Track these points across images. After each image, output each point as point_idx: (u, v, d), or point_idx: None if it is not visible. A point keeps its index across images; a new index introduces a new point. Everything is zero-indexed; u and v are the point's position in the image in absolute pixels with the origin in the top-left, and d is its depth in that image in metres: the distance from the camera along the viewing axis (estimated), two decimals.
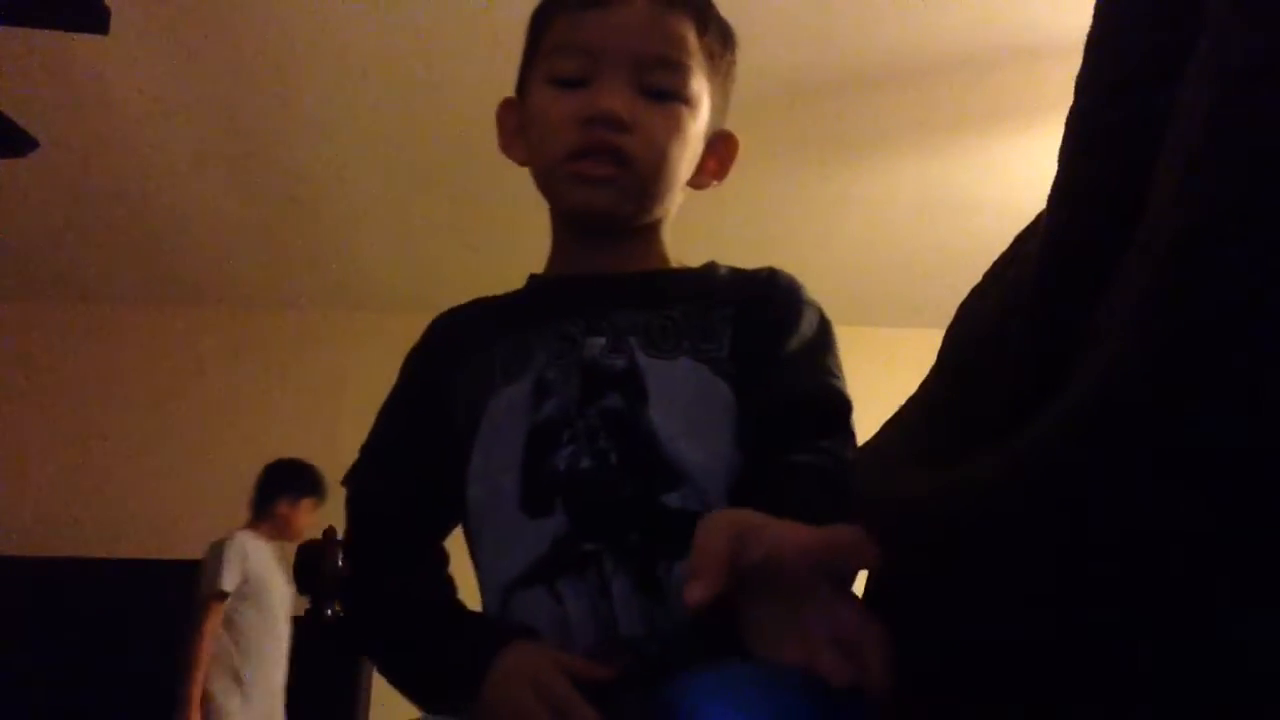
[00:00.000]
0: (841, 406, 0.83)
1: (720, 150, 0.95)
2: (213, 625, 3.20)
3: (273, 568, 3.41)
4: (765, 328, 0.86)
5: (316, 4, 2.71)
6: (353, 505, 0.96)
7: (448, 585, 0.90)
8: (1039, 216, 0.54)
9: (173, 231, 3.85)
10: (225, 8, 2.72)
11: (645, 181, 0.87)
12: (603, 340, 0.86)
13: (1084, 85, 0.50)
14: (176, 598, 3.87)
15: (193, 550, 3.98)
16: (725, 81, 0.94)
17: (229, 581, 3.24)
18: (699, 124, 0.90)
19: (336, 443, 4.77)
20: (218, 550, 3.30)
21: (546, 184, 0.94)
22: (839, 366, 0.86)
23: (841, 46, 2.77)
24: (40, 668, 3.62)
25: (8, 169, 3.02)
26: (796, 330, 0.86)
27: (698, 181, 0.95)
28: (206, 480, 4.23)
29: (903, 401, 0.81)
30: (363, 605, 0.94)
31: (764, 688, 0.60)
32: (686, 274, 0.93)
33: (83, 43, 2.52)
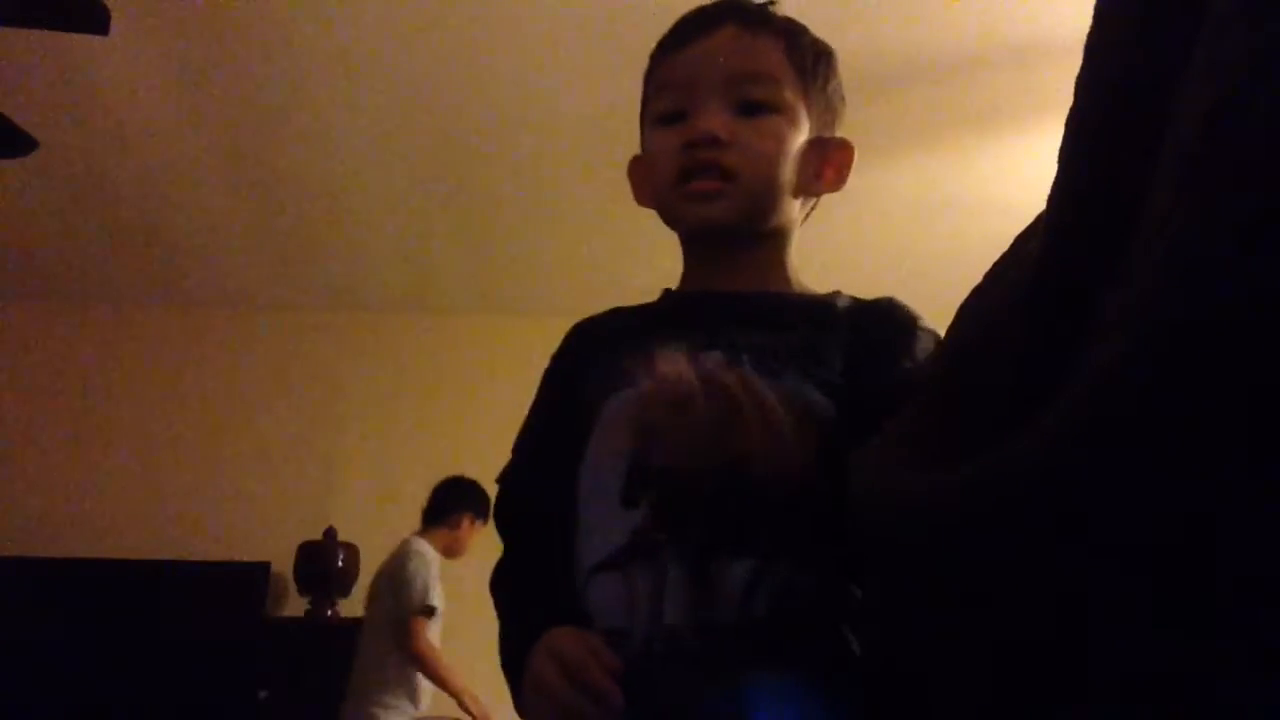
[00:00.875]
0: None
1: (835, 158, 1.00)
2: (430, 638, 3.21)
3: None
4: (878, 348, 0.89)
5: (317, 5, 2.71)
6: (501, 504, 1.02)
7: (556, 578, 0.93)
8: (1039, 216, 0.54)
9: (173, 232, 3.85)
10: (225, 9, 2.72)
11: (752, 191, 0.92)
12: (719, 354, 0.89)
13: (1084, 85, 0.50)
14: (176, 598, 3.87)
15: (193, 551, 3.99)
16: (826, 94, 0.99)
17: (438, 598, 3.24)
18: (797, 132, 0.94)
19: (337, 443, 4.79)
20: (421, 564, 3.27)
21: (666, 213, 0.99)
22: None
23: (841, 47, 2.76)
24: (40, 668, 3.61)
25: (8, 169, 3.02)
26: (910, 353, 0.89)
27: (815, 189, 0.99)
28: (207, 480, 4.23)
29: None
30: (496, 594, 0.98)
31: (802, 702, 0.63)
32: (806, 300, 0.97)
33: (83, 43, 2.52)
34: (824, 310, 0.95)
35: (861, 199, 3.74)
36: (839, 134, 1.01)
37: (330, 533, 4.00)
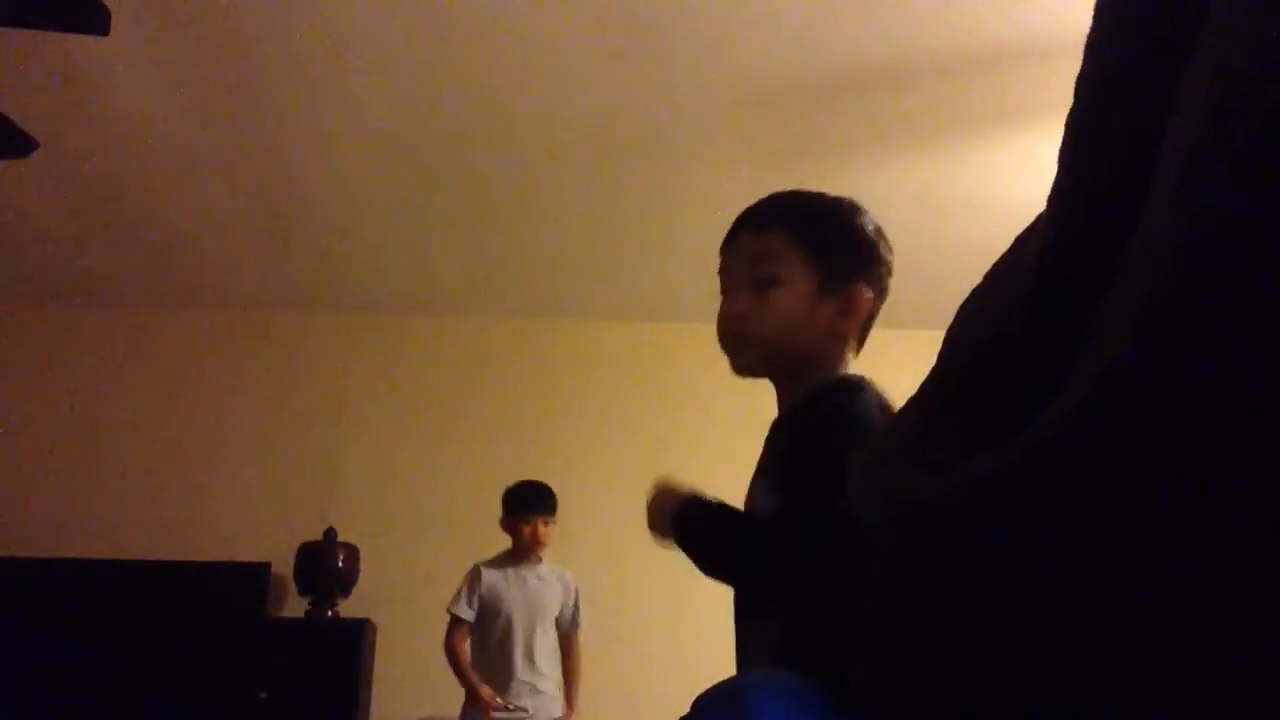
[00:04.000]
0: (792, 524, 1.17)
1: (843, 299, 1.29)
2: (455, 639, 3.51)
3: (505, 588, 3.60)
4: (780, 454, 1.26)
5: (317, 5, 2.71)
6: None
7: None
8: (1039, 216, 0.54)
9: (173, 232, 3.85)
10: (226, 9, 2.72)
11: (767, 345, 1.29)
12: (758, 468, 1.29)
13: (1084, 85, 0.50)
14: (176, 598, 3.87)
15: (193, 551, 3.99)
16: (834, 250, 1.31)
17: (464, 608, 3.52)
18: (801, 292, 1.28)
19: (337, 444, 4.79)
20: (466, 574, 3.62)
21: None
22: (813, 482, 1.17)
23: (841, 47, 2.77)
24: (40, 668, 3.61)
25: (8, 169, 3.02)
26: (790, 452, 1.24)
27: (844, 327, 1.30)
28: (207, 481, 4.24)
29: (903, 402, 0.81)
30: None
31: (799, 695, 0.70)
32: (795, 404, 1.29)
33: (83, 43, 2.52)
34: (796, 412, 1.28)
35: (861, 199, 3.74)
36: (860, 278, 1.32)
37: (330, 533, 4.00)
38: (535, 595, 3.55)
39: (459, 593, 3.55)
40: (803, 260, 1.29)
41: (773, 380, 1.33)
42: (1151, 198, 0.41)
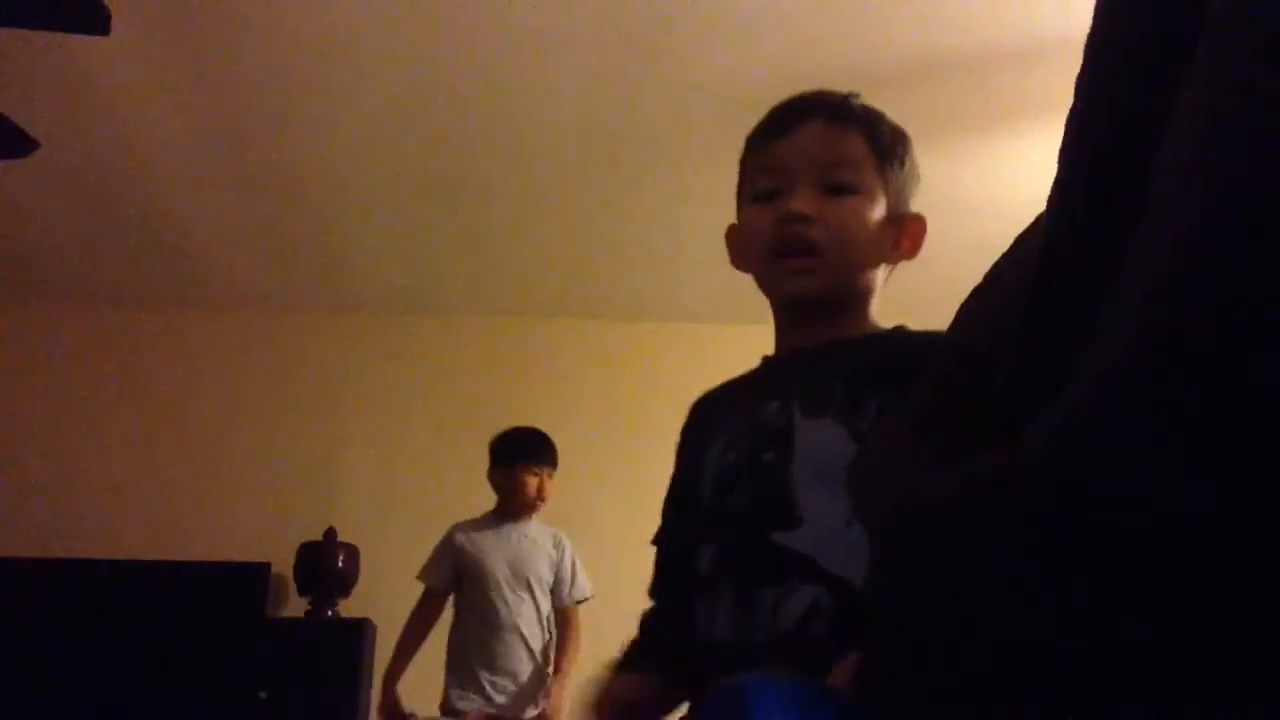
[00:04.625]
0: None
1: (911, 229, 1.14)
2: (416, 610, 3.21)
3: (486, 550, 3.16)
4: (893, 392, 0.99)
5: (318, 5, 2.71)
6: (656, 561, 1.21)
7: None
8: (1039, 216, 0.54)
9: (173, 232, 3.85)
10: (226, 9, 2.72)
11: (838, 264, 1.06)
12: (776, 404, 1.04)
13: (1084, 85, 0.50)
14: (176, 598, 3.87)
15: (193, 551, 3.99)
16: (903, 174, 1.14)
17: (431, 572, 3.21)
18: (876, 210, 1.08)
19: (337, 444, 4.78)
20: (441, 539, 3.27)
21: (763, 281, 1.13)
22: None
23: (841, 47, 2.77)
24: (40, 668, 3.61)
25: (8, 169, 3.02)
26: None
27: (894, 258, 1.13)
28: (207, 481, 4.24)
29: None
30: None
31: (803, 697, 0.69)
32: (860, 343, 1.09)
33: (83, 43, 2.52)
34: (875, 354, 1.07)
35: None
36: (914, 207, 1.16)
37: (330, 533, 4.00)
38: (524, 555, 3.13)
39: (430, 559, 3.21)
40: (878, 177, 1.10)
41: (803, 317, 1.10)
42: (1151, 197, 0.41)
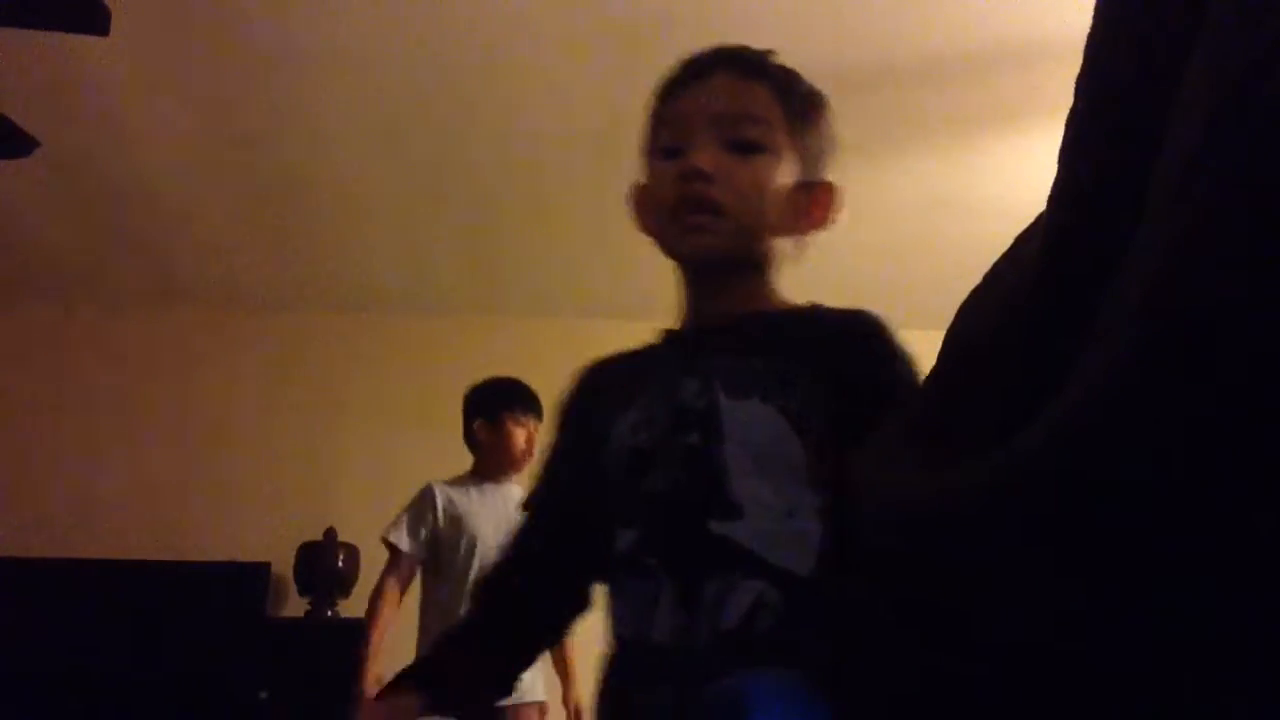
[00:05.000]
0: None
1: (823, 198, 1.06)
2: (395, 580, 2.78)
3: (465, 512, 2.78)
4: (864, 402, 0.90)
5: (318, 5, 2.71)
6: (521, 529, 1.14)
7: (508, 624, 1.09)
8: (1039, 216, 0.54)
9: (173, 232, 3.85)
10: (226, 9, 2.72)
11: (740, 224, 1.00)
12: (695, 383, 0.98)
13: (1084, 85, 0.50)
14: (176, 598, 3.87)
15: (193, 551, 3.98)
16: (816, 139, 1.06)
17: (396, 532, 2.81)
18: (784, 173, 1.01)
19: (337, 444, 4.79)
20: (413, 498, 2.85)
21: (663, 242, 1.07)
22: None
23: (841, 47, 2.77)
24: (40, 668, 3.61)
25: (8, 169, 3.02)
26: (889, 387, 0.94)
27: (802, 227, 1.05)
28: (207, 480, 4.23)
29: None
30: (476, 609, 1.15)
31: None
32: (778, 320, 1.04)
33: (83, 43, 2.52)
34: (796, 328, 1.03)
35: (861, 199, 3.74)
36: (827, 177, 1.07)
37: (330, 533, 3.99)
38: (512, 519, 2.77)
39: (399, 517, 2.80)
40: (786, 134, 1.02)
41: (705, 282, 1.05)
42: (1151, 197, 0.41)
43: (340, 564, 3.96)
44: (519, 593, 1.07)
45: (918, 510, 0.52)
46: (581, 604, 1.07)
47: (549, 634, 1.13)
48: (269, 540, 4.02)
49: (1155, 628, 0.38)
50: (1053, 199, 0.51)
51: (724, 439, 0.94)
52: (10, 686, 3.55)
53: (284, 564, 3.99)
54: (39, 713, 3.60)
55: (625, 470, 0.99)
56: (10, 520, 3.95)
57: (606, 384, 1.09)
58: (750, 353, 0.99)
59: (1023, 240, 0.59)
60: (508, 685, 1.08)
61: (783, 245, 1.04)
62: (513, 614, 1.07)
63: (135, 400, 4.31)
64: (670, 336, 1.11)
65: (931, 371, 0.72)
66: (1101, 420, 0.39)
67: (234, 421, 4.31)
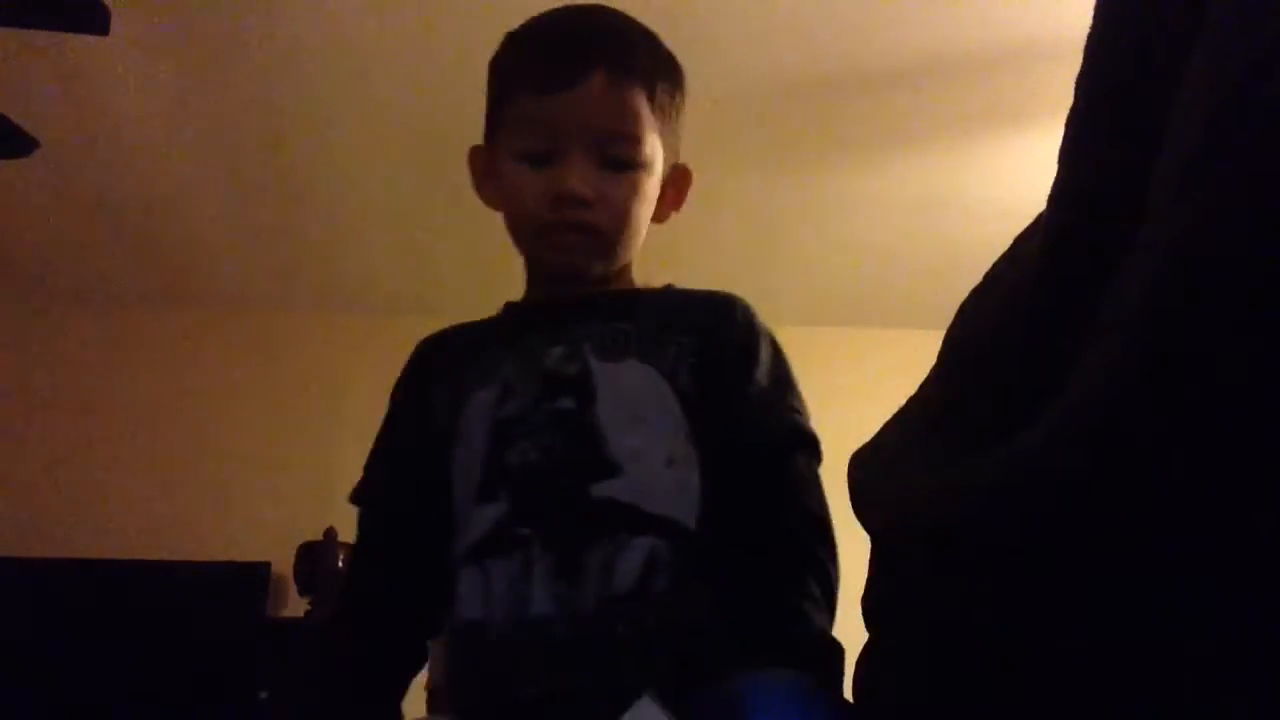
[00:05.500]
0: (811, 445, 0.98)
1: (678, 182, 1.08)
2: None
3: None
4: (725, 362, 0.96)
5: (318, 4, 2.71)
6: (360, 521, 1.08)
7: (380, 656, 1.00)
8: (1039, 216, 0.54)
9: (173, 232, 3.85)
10: (226, 9, 2.72)
11: (612, 242, 1.00)
12: (561, 349, 0.96)
13: (1084, 85, 0.50)
14: (176, 598, 3.87)
15: (193, 551, 3.98)
16: (677, 122, 1.06)
17: None
18: (655, 180, 1.02)
19: (337, 444, 4.79)
20: None
21: (520, 243, 1.08)
22: (801, 400, 1.00)
23: (841, 46, 2.77)
24: (40, 668, 3.62)
25: (8, 169, 3.02)
26: (756, 365, 0.97)
27: (659, 215, 1.06)
28: (207, 480, 4.23)
29: (903, 402, 0.81)
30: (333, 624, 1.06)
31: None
32: (643, 295, 1.04)
33: (83, 43, 2.52)
34: (660, 302, 1.02)
35: (861, 199, 3.74)
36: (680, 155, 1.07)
37: (330, 533, 3.99)
38: None
39: None
40: (656, 135, 1.01)
41: (566, 279, 1.05)
42: (1151, 197, 0.41)
43: (340, 564, 3.96)
44: (376, 638, 0.99)
45: (919, 509, 0.52)
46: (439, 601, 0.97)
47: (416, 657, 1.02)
48: (269, 540, 4.02)
49: (1155, 627, 0.38)
50: (1053, 199, 0.51)
51: (597, 400, 0.92)
52: (10, 686, 3.55)
53: (284, 564, 3.99)
54: (39, 713, 3.61)
55: (487, 442, 0.94)
56: (10, 520, 3.95)
57: (447, 359, 1.06)
58: (617, 319, 0.98)
59: (1023, 240, 0.59)
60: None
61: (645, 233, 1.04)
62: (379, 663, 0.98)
63: (135, 400, 4.31)
64: (517, 310, 1.09)
65: (932, 371, 0.72)
66: (1102, 420, 0.39)
67: (234, 421, 4.31)
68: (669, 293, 1.05)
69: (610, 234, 0.99)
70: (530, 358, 0.97)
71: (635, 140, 0.99)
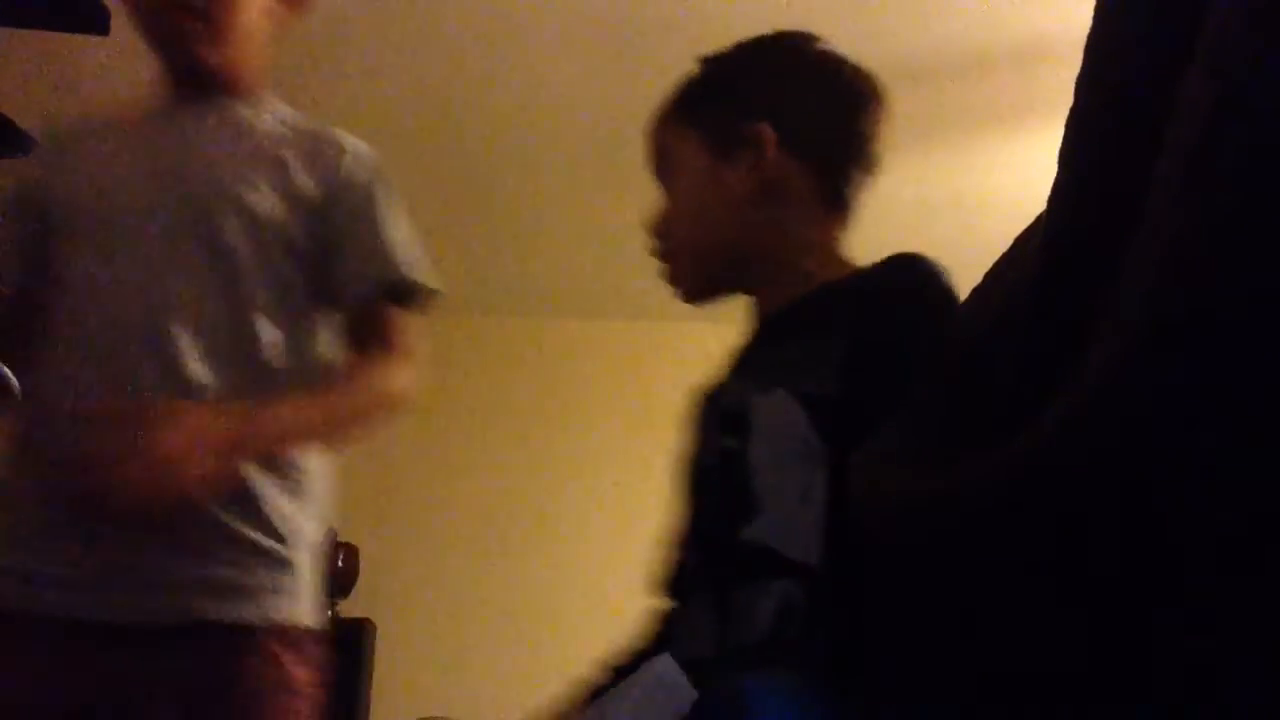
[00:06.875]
0: None
1: (751, 145, 1.01)
2: None
3: None
4: (876, 357, 0.89)
5: (317, 5, 2.70)
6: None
7: None
8: (1039, 216, 0.54)
9: None
10: None
11: (690, 253, 1.04)
12: (735, 383, 0.97)
13: (1084, 85, 0.50)
14: None
15: None
16: (714, 109, 1.05)
17: None
18: (699, 175, 1.03)
19: None
20: None
21: None
22: None
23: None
24: None
25: (8, 169, 3.01)
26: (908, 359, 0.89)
27: (754, 193, 1.01)
28: None
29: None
30: None
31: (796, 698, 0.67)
32: (810, 300, 0.99)
33: (83, 43, 2.52)
34: (825, 305, 0.97)
35: (861, 199, 3.74)
36: (758, 115, 1.02)
37: (330, 533, 3.99)
38: None
39: None
40: (686, 134, 1.03)
41: (736, 297, 1.06)
42: (1151, 197, 0.41)
43: (340, 564, 3.96)
44: None
45: (920, 509, 0.52)
46: None
47: None
48: None
49: (1156, 627, 0.38)
50: (1053, 199, 0.51)
51: (751, 437, 0.91)
52: None
53: None
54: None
55: (692, 491, 0.98)
56: None
57: (697, 409, 1.06)
58: (778, 341, 0.98)
59: (1023, 240, 0.59)
60: None
61: (762, 218, 1.00)
62: None
63: None
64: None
65: (932, 371, 0.72)
66: (1102, 419, 0.39)
67: None
68: (838, 289, 0.99)
69: (680, 250, 1.05)
70: (717, 395, 1.01)
71: (666, 156, 1.06)
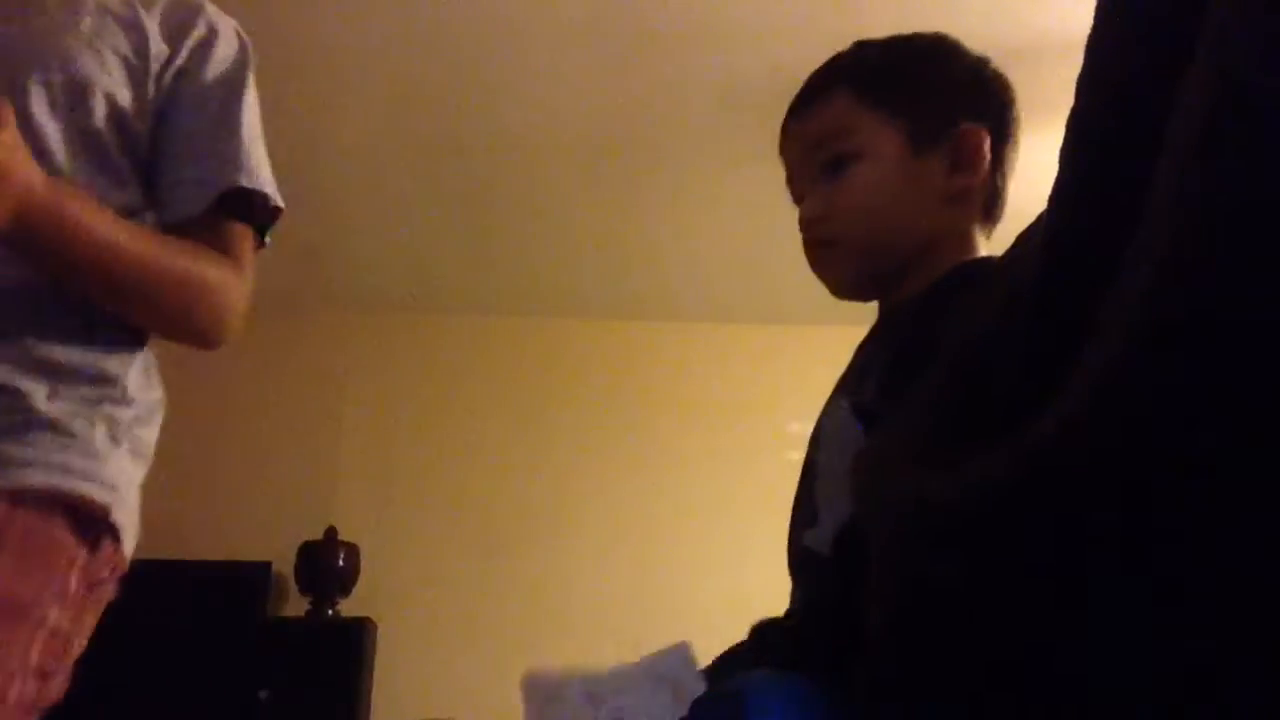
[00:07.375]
0: None
1: (962, 144, 0.98)
2: None
3: None
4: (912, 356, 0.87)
5: (316, 6, 2.71)
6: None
7: None
8: (1039, 216, 0.54)
9: None
10: (225, 9, 2.71)
11: (860, 242, 0.96)
12: (837, 395, 0.96)
13: (1084, 85, 0.50)
14: (176, 598, 3.87)
15: (193, 551, 3.99)
16: (921, 91, 1.01)
17: None
18: (887, 161, 0.96)
19: (337, 443, 4.78)
20: None
21: None
22: None
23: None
24: None
25: None
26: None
27: (953, 187, 0.97)
28: (207, 480, 4.24)
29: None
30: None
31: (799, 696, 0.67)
32: (900, 305, 0.97)
33: None
34: (905, 310, 0.96)
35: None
36: (966, 117, 1.00)
37: (330, 533, 4.00)
38: None
39: None
40: (880, 119, 0.97)
41: (868, 300, 1.01)
42: (1150, 198, 0.41)
43: (341, 563, 3.97)
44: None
45: (921, 509, 0.52)
46: None
47: None
48: (269, 540, 4.02)
49: (1158, 625, 0.38)
50: (1053, 199, 0.51)
51: (821, 446, 0.93)
52: None
53: (284, 563, 4.00)
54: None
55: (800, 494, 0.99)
56: None
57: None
58: (865, 347, 0.97)
59: (1023, 240, 0.59)
60: None
61: (931, 222, 0.96)
62: None
63: None
64: None
65: (933, 371, 0.72)
66: (1102, 419, 0.39)
67: (234, 421, 4.31)
68: (929, 289, 0.94)
69: (851, 236, 0.96)
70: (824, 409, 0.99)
71: (841, 132, 0.97)
